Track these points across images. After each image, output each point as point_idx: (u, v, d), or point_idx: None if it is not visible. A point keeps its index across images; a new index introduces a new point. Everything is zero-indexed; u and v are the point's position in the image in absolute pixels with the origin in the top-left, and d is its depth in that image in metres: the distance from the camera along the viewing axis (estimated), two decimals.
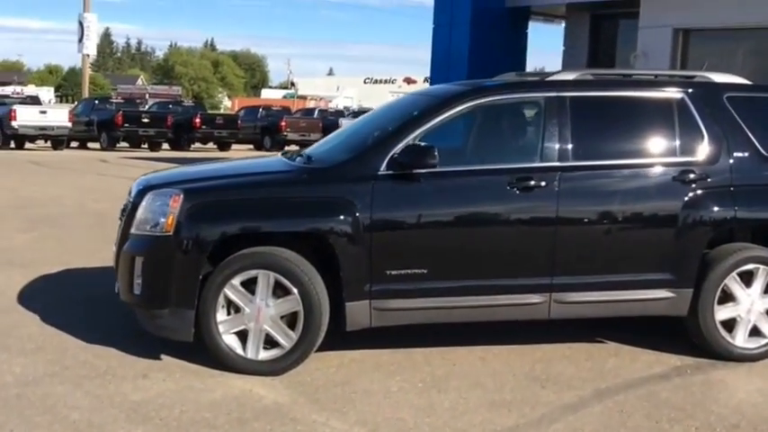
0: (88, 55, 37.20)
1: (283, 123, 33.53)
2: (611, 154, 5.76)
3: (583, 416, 4.74)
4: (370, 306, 5.31)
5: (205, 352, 5.24)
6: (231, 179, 5.86)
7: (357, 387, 5.07)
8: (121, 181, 14.24)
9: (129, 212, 5.55)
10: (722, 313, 5.76)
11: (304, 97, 72.47)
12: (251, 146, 33.93)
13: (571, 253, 5.56)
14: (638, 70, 9.40)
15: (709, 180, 5.75)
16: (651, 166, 5.76)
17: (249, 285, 5.18)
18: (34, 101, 30.35)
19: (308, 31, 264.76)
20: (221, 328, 5.18)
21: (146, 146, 30.43)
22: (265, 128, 33.97)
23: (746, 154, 5.89)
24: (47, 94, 72.28)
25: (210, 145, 32.79)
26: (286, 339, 5.21)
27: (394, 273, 5.32)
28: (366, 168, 5.39)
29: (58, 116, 28.01)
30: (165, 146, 30.80)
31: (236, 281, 5.16)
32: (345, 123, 17.58)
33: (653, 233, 5.72)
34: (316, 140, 10.97)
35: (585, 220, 5.61)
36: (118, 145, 29.60)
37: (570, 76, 6.03)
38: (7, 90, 33.46)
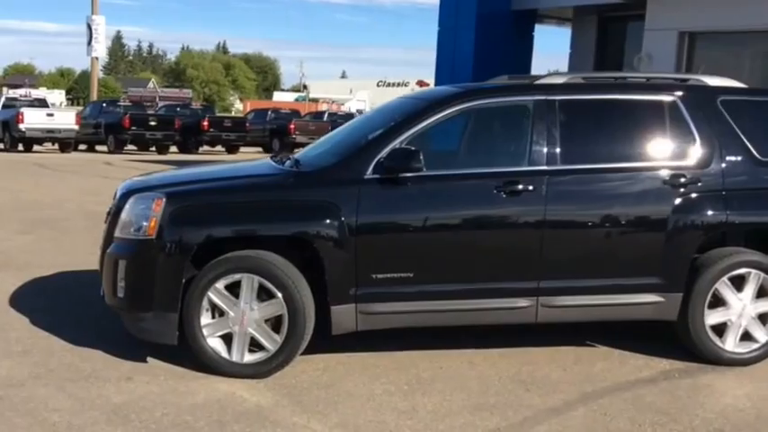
0: (97, 57, 37.28)
1: (292, 126, 33.44)
2: (601, 158, 5.72)
3: (566, 419, 4.71)
4: (356, 310, 5.30)
5: (191, 355, 5.24)
6: (215, 182, 5.84)
7: (341, 389, 5.06)
8: None
9: (113, 216, 5.56)
10: (712, 318, 5.72)
11: (316, 100, 72.39)
12: (260, 148, 33.85)
13: (559, 257, 5.53)
14: (634, 73, 9.36)
15: (699, 184, 5.71)
16: (641, 169, 5.71)
17: (233, 289, 5.18)
18: (42, 103, 30.41)
19: (321, 33, 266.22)
20: (206, 332, 5.18)
21: (153, 149, 30.44)
22: (274, 130, 33.95)
23: (740, 158, 5.83)
24: (58, 96, 72.81)
25: (219, 148, 32.78)
26: (271, 342, 5.20)
27: (380, 276, 5.31)
28: (352, 172, 5.37)
29: (65, 119, 28.13)
30: (173, 149, 30.83)
31: (221, 284, 5.15)
32: None
33: (642, 237, 5.68)
34: None
35: (574, 224, 5.59)
36: (125, 148, 29.67)
37: (560, 80, 5.99)
38: (17, 93, 33.40)
